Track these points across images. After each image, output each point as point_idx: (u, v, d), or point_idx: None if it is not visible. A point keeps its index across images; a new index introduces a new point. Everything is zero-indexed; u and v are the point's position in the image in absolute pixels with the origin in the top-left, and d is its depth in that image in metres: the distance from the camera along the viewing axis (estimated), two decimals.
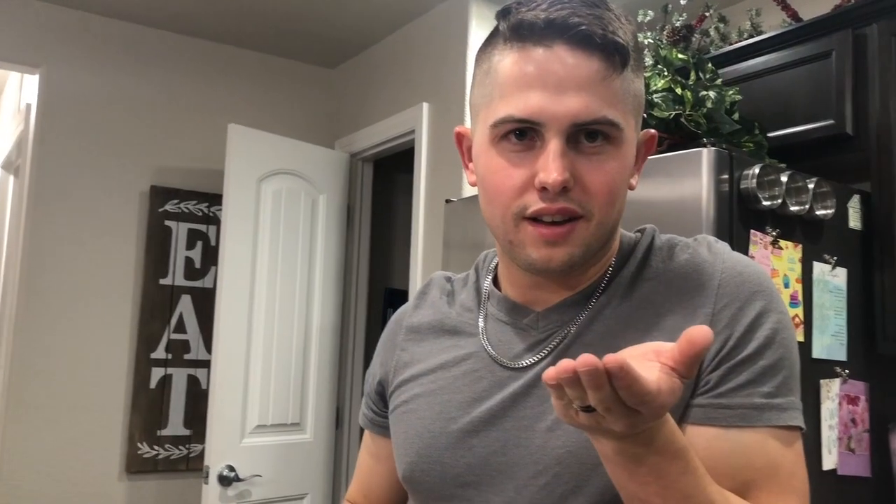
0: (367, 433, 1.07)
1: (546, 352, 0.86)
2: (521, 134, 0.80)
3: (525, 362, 0.87)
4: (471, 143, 0.89)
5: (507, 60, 0.81)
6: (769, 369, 0.78)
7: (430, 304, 1.00)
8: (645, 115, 1.69)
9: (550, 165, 0.77)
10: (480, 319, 0.93)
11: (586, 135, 0.79)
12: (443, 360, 0.93)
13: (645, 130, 0.90)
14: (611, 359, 0.57)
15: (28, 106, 3.25)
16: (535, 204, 0.80)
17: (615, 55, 0.79)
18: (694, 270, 0.84)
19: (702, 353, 0.60)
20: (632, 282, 0.86)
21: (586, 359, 0.57)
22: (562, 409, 0.64)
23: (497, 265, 0.96)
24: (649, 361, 0.63)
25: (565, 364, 0.58)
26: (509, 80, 0.81)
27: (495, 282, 0.95)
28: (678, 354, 0.61)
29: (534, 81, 0.79)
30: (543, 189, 0.79)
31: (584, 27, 0.77)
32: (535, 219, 0.80)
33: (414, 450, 0.91)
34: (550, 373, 0.59)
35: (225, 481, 2.87)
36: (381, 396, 1.02)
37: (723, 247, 0.86)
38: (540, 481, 0.81)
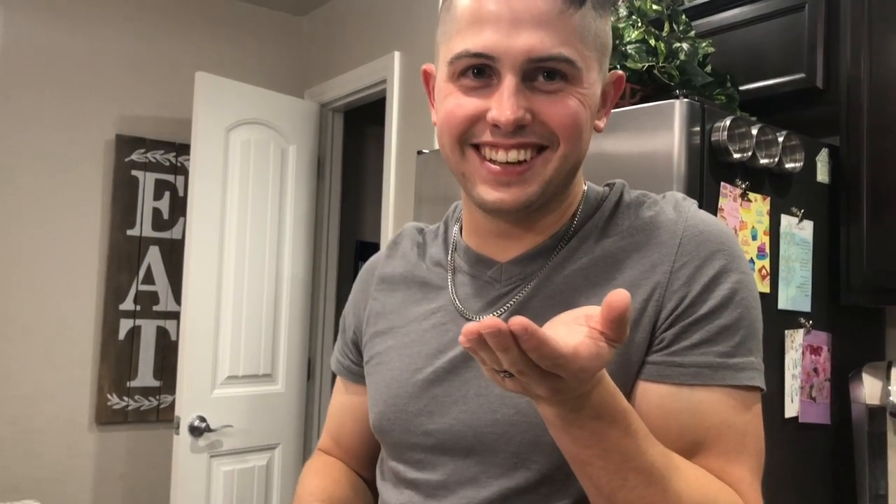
0: (339, 379, 1.07)
1: (509, 305, 0.86)
2: (479, 72, 0.79)
3: (487, 316, 0.87)
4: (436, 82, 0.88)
5: None
6: (726, 329, 0.78)
7: (401, 255, 1.00)
8: (618, 67, 1.68)
9: (504, 103, 0.76)
10: (449, 273, 0.93)
11: (544, 74, 0.78)
12: (415, 314, 0.93)
13: (612, 72, 0.88)
14: (515, 320, 0.56)
15: None
16: (483, 135, 0.79)
17: None
18: (657, 228, 0.83)
19: (623, 316, 0.59)
20: (597, 237, 0.86)
21: (489, 321, 0.57)
22: (490, 374, 0.64)
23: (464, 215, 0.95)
24: (578, 326, 0.62)
25: (470, 326, 0.57)
26: (466, 14, 0.79)
27: (463, 231, 0.95)
28: (601, 319, 0.60)
29: (489, 16, 0.77)
30: (496, 126, 0.78)
31: None
32: (488, 158, 0.80)
33: (383, 399, 0.92)
34: (461, 338, 0.58)
35: (196, 432, 2.88)
36: (356, 344, 1.02)
37: (689, 205, 0.86)
38: (498, 429, 0.82)
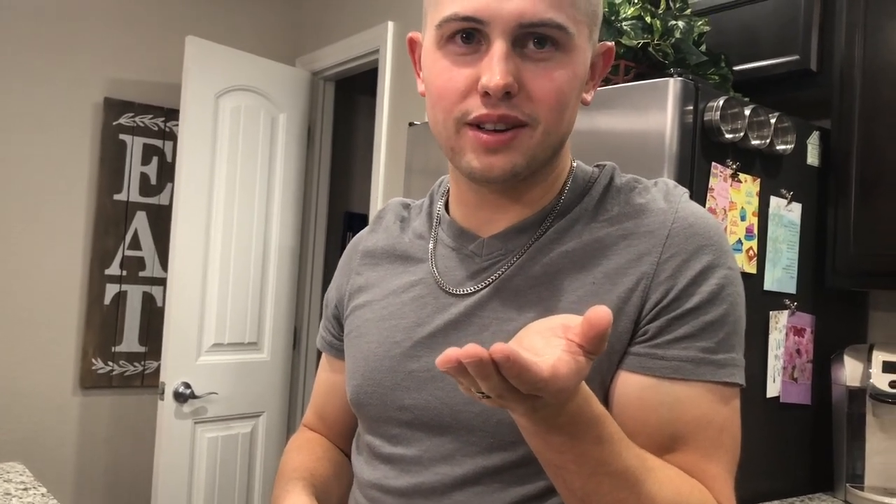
0: (324, 356, 1.08)
1: (489, 280, 0.85)
2: (468, 37, 0.78)
3: (467, 290, 0.86)
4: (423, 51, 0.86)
5: None
6: (710, 324, 0.77)
7: (384, 229, 1.00)
8: (613, 43, 1.67)
9: (494, 68, 0.75)
10: (431, 245, 0.92)
11: (535, 40, 0.77)
12: (394, 286, 0.93)
13: (601, 43, 0.87)
14: (497, 349, 0.55)
15: None
16: (476, 109, 0.77)
17: None
18: (647, 216, 0.82)
19: (604, 333, 0.59)
20: (585, 220, 0.84)
21: (471, 350, 0.55)
22: (467, 393, 0.63)
23: (450, 188, 0.94)
24: (556, 338, 0.61)
25: (449, 353, 0.56)
26: None
27: (448, 206, 0.94)
28: (581, 334, 0.60)
29: None
30: (486, 94, 0.76)
31: None
32: (477, 125, 0.78)
33: (360, 373, 0.91)
34: (440, 361, 0.57)
35: (181, 398, 2.88)
36: (338, 320, 1.02)
37: (680, 195, 0.85)
38: (475, 409, 0.81)
